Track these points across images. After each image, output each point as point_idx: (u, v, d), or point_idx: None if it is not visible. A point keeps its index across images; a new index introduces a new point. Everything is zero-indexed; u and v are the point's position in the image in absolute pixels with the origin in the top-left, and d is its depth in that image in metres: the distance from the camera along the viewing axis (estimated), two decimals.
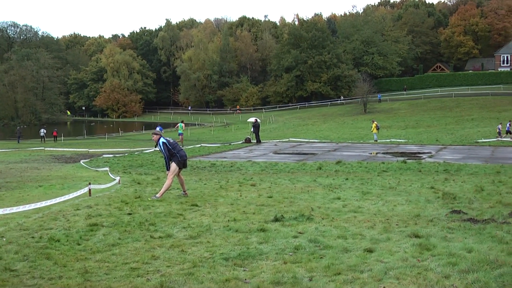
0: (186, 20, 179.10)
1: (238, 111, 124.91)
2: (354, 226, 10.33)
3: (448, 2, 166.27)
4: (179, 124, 48.14)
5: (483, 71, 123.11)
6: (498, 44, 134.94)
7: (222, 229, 10.05)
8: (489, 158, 28.68)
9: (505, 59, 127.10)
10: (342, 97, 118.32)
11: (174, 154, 14.54)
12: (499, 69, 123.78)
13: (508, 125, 50.34)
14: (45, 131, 69.81)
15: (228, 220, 11.01)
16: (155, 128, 49.17)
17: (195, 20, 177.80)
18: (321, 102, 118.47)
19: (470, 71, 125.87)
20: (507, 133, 49.46)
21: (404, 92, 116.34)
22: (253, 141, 43.91)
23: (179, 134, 46.74)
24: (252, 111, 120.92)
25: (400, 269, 7.03)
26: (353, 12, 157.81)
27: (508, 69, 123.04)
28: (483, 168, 23.34)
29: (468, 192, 15.24)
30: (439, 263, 7.30)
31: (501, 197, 13.87)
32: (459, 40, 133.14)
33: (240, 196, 14.99)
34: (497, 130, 49.46)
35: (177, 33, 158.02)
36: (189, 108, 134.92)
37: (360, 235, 9.41)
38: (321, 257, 7.85)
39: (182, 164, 14.79)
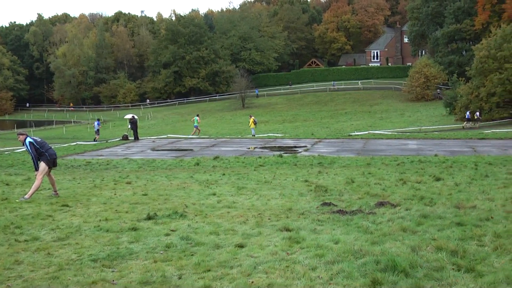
0: (59, 14, 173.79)
1: (71, 108, 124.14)
2: (227, 222, 10.36)
3: None
4: (194, 118, 50.04)
5: (355, 66, 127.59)
6: (369, 40, 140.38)
7: (92, 230, 9.78)
8: (361, 150, 29.67)
9: (375, 54, 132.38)
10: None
11: (42, 153, 14.01)
12: (370, 64, 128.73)
13: (468, 113, 53.68)
14: None
15: (100, 220, 10.73)
16: (94, 122, 49.68)
17: (69, 15, 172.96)
18: (199, 98, 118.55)
19: (343, 66, 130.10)
20: (467, 121, 52.64)
21: (289, 87, 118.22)
22: (130, 138, 43.23)
23: (195, 127, 48.81)
24: (130, 107, 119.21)
25: (269, 263, 7.11)
26: (230, 8, 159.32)
27: (378, 64, 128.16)
28: (355, 160, 24.12)
29: (339, 184, 15.68)
30: (307, 255, 7.44)
31: (369, 188, 14.39)
32: (332, 36, 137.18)
33: (115, 194, 14.69)
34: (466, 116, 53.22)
35: (50, 28, 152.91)
36: (71, 107, 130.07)
37: (232, 231, 9.44)
38: (192, 254, 7.80)
39: (51, 163, 14.28)
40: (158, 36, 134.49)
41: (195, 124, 48.84)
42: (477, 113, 53.81)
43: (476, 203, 11.32)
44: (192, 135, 47.09)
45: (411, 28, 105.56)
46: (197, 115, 50.95)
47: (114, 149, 35.21)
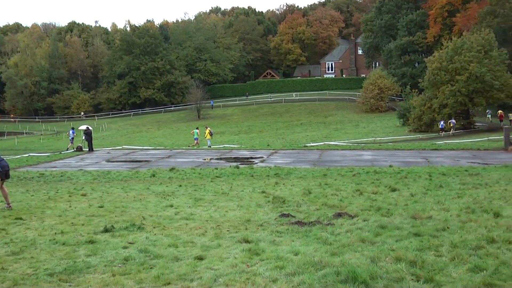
0: (11, 24, 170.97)
1: (12, 119, 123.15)
2: (186, 234, 10.28)
3: (277, 11, 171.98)
4: (194, 131, 50.06)
5: (310, 78, 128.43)
6: (323, 51, 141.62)
7: (48, 243, 9.59)
8: (317, 161, 29.81)
9: (330, 66, 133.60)
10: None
11: None
12: (325, 76, 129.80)
13: (441, 122, 55.00)
14: None
15: (55, 233, 10.55)
16: (69, 130, 49.12)
17: (21, 25, 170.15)
18: (155, 109, 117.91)
19: (298, 78, 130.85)
20: (440, 130, 54.34)
21: (245, 98, 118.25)
22: (85, 149, 42.72)
23: (195, 139, 48.73)
24: (84, 118, 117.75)
25: (229, 276, 7.06)
26: (185, 19, 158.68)
27: (333, 75, 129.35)
28: (311, 171, 24.23)
29: (297, 195, 15.72)
30: (267, 267, 7.42)
31: (326, 199, 14.46)
32: (287, 47, 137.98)
33: (70, 207, 14.46)
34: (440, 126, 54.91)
35: (1, 38, 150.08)
36: (12, 118, 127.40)
37: (191, 243, 9.38)
38: (151, 267, 7.71)
39: (4, 175, 14.00)
40: (112, 46, 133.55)
41: (195, 136, 48.85)
42: (453, 121, 54.88)
43: (432, 213, 11.48)
44: (193, 146, 47.20)
45: (365, 40, 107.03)
46: (197, 128, 51.01)
47: (68, 160, 34.71)
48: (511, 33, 68.56)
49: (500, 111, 60.71)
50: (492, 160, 28.26)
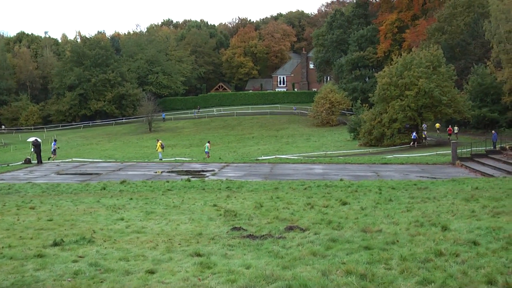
0: None
1: None
2: (137, 247, 10.20)
3: (229, 24, 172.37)
4: (206, 145, 51.92)
5: (262, 91, 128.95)
6: (275, 65, 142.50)
7: None
8: (268, 174, 29.93)
9: (282, 80, 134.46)
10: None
11: None
12: (276, 89, 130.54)
13: (414, 133, 56.05)
14: None
15: (2, 247, 10.34)
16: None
17: None
18: (105, 121, 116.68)
19: (250, 91, 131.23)
20: (413, 141, 55.62)
21: (198, 111, 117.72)
22: (33, 161, 42.02)
23: (206, 152, 50.17)
24: (32, 130, 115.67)
25: None
26: (137, 31, 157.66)
27: (285, 89, 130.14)
28: (262, 184, 24.31)
29: (248, 208, 15.74)
30: (219, 280, 7.41)
31: (278, 213, 14.51)
32: (239, 61, 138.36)
33: (18, 220, 14.20)
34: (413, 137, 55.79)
35: None
36: None
37: (142, 256, 9.31)
38: (101, 281, 7.63)
39: None
40: (62, 57, 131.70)
41: (206, 150, 49.72)
42: (424, 132, 56.11)
43: (382, 227, 11.63)
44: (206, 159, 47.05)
45: (316, 55, 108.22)
46: (208, 142, 52.38)
47: (16, 173, 34.09)
48: (458, 49, 70.22)
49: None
50: (440, 174, 28.81)
